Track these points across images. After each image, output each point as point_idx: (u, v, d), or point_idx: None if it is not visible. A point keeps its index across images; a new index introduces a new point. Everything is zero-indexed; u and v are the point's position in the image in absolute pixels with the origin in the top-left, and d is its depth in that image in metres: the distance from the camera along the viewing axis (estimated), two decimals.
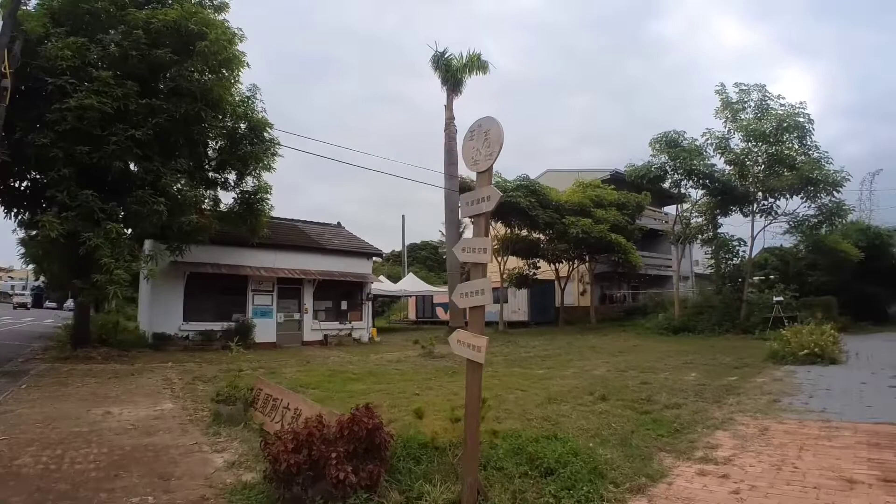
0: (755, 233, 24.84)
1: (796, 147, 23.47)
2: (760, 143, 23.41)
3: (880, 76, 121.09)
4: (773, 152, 23.24)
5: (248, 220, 19.37)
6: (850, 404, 8.44)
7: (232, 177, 19.28)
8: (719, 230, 27.15)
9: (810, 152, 23.34)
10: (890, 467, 5.31)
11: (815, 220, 24.40)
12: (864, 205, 38.21)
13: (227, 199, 19.74)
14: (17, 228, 17.03)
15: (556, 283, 33.37)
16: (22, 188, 16.21)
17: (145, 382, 11.58)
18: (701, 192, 26.08)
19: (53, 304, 52.77)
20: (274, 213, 21.38)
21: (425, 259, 60.51)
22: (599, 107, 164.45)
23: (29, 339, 21.27)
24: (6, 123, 13.00)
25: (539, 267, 32.41)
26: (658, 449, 6.17)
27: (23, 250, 20.77)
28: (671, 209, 36.35)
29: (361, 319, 25.33)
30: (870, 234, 28.68)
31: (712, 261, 28.62)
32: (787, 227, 25.59)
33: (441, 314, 37.81)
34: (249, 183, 19.51)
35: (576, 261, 32.39)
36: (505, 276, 30.88)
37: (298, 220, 27.33)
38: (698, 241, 28.62)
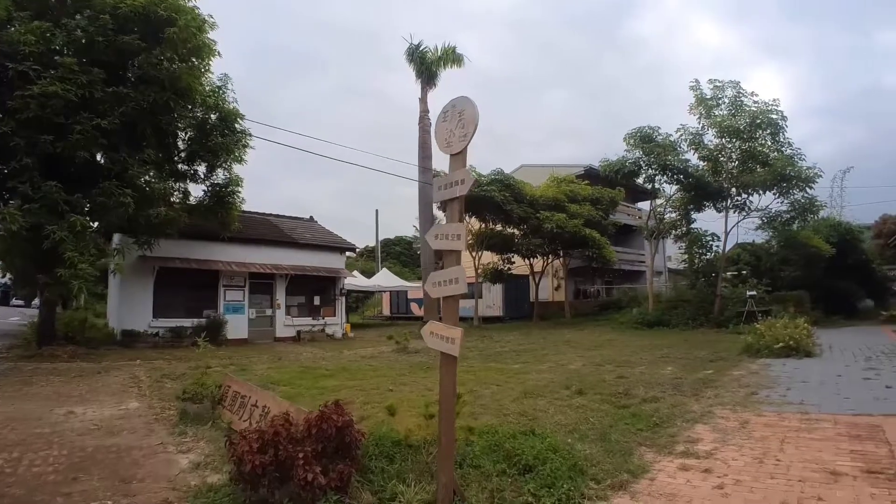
0: (728, 228, 25.01)
1: (769, 143, 23.59)
2: (734, 140, 23.53)
3: (851, 78, 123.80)
4: (747, 148, 23.39)
5: (219, 213, 18.97)
6: (828, 396, 8.41)
7: (202, 169, 18.83)
8: (693, 225, 27.33)
9: (783, 149, 23.50)
10: (872, 459, 5.24)
11: (788, 216, 24.61)
12: (836, 201, 38.99)
13: (197, 191, 19.39)
14: None
15: (530, 278, 33.39)
16: None
17: (112, 381, 11.24)
18: (675, 187, 26.14)
19: (21, 302, 51.35)
20: (246, 207, 20.99)
21: (399, 254, 60.21)
22: (575, 104, 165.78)
23: None
24: None
25: (513, 262, 32.41)
26: (638, 444, 6.03)
27: None
28: (645, 205, 36.68)
29: (335, 315, 25.06)
30: (841, 230, 29.00)
31: (685, 256, 28.77)
32: (760, 222, 25.75)
33: (415, 309, 37.71)
34: (220, 175, 19.11)
35: (550, 256, 32.46)
36: (480, 271, 30.79)
37: (270, 215, 26.92)
38: (672, 236, 28.77)
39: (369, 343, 20.83)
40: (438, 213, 26.62)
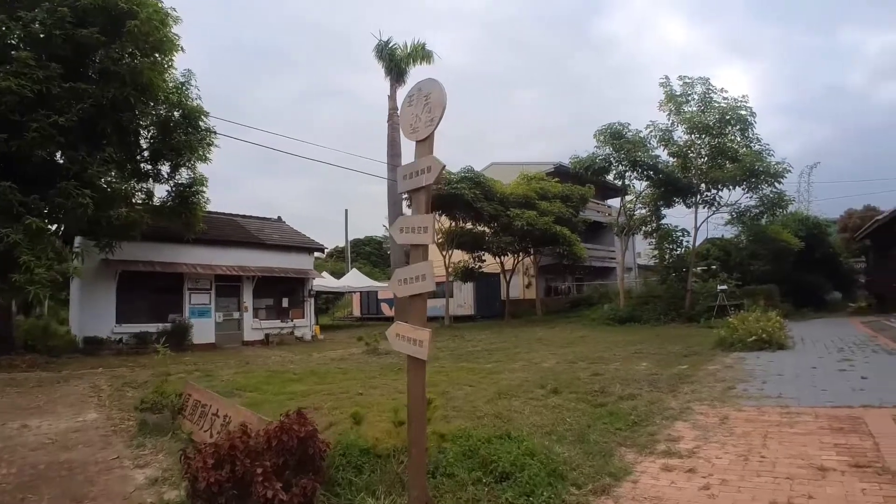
0: (698, 223, 25.23)
1: (738, 139, 23.80)
2: (703, 136, 23.64)
3: (816, 77, 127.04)
4: (716, 144, 23.55)
5: (183, 214, 18.37)
6: (805, 389, 8.32)
7: (165, 168, 18.26)
8: (662, 221, 27.44)
9: (752, 145, 23.71)
10: (858, 452, 5.11)
11: (757, 211, 24.91)
12: (803, 196, 39.67)
13: (160, 192, 18.81)
14: None
15: (501, 276, 33.34)
16: None
17: (71, 390, 10.73)
18: (645, 183, 26.24)
19: None
20: (215, 209, 20.50)
21: (369, 254, 59.70)
22: (545, 102, 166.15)
23: None
24: None
25: (484, 260, 32.33)
26: (618, 444, 5.81)
27: None
28: (615, 202, 36.82)
29: (304, 317, 24.67)
30: (809, 225, 29.69)
31: (655, 252, 28.95)
32: (730, 217, 26.06)
33: (386, 310, 37.43)
34: (184, 175, 18.55)
35: (521, 253, 32.37)
36: (450, 269, 30.56)
37: (237, 215, 26.34)
38: (642, 232, 28.88)
39: (339, 345, 20.46)
40: (408, 212, 26.32)
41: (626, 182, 26.32)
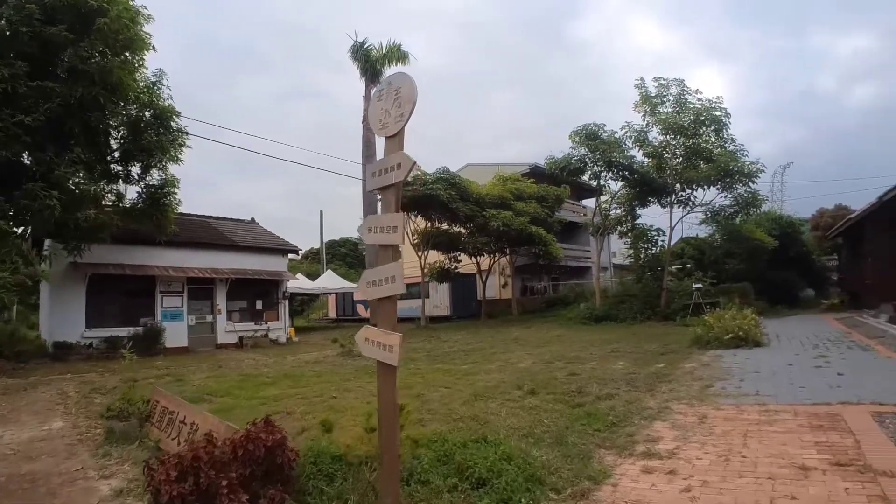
0: (673, 223, 25.25)
1: (713, 140, 23.88)
2: (678, 136, 23.69)
3: (789, 80, 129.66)
4: (691, 145, 23.61)
5: (154, 216, 17.98)
6: (783, 386, 8.30)
7: (136, 169, 17.83)
8: (638, 221, 27.60)
9: (727, 145, 23.83)
10: (839, 450, 5.07)
11: (731, 210, 25.06)
12: (777, 196, 40.21)
13: (131, 193, 18.40)
14: None
15: (477, 276, 33.28)
16: None
17: (38, 398, 10.41)
18: (620, 183, 26.27)
19: None
20: (187, 210, 20.04)
21: (345, 256, 59.36)
22: (521, 104, 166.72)
23: None
24: None
25: (460, 261, 32.22)
26: (597, 445, 5.71)
27: None
28: (590, 202, 37.04)
29: (278, 319, 24.35)
30: (782, 223, 30.10)
31: (631, 251, 29.09)
32: (704, 217, 26.16)
33: (362, 311, 37.22)
34: (155, 176, 18.13)
35: (497, 254, 32.33)
36: (426, 270, 30.41)
37: (210, 217, 25.94)
38: (617, 232, 29.01)
39: (314, 347, 20.22)
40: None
41: (602, 182, 26.35)
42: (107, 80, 14.57)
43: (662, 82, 24.24)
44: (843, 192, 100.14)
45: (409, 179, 26.75)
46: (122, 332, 18.31)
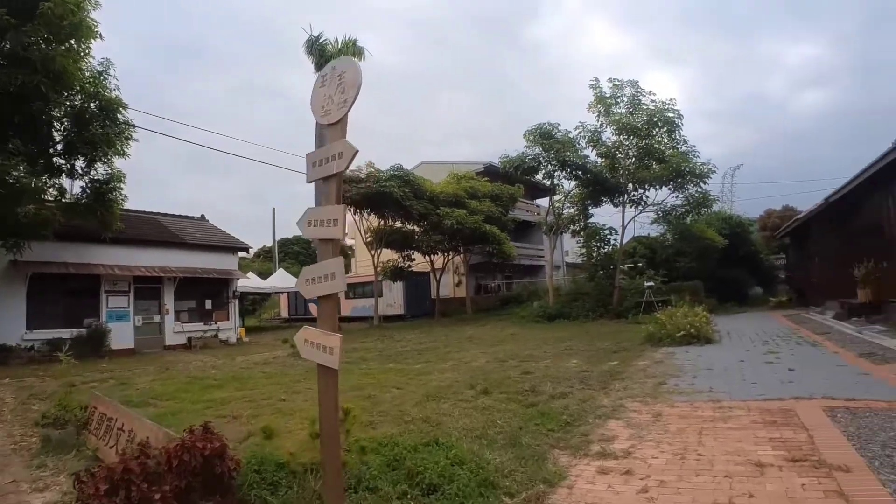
0: (625, 222, 25.56)
1: (665, 141, 24.25)
2: (632, 137, 23.97)
3: (738, 84, 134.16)
4: (644, 145, 23.92)
5: (99, 212, 17.10)
6: (735, 382, 8.34)
7: (80, 163, 16.92)
8: (590, 220, 27.87)
9: (679, 146, 24.20)
10: (793, 446, 5.04)
11: (683, 210, 25.48)
12: (727, 196, 41.12)
13: (75, 188, 17.48)
14: None
15: (431, 274, 33.21)
16: None
17: None
18: (573, 183, 26.49)
19: None
20: (141, 207, 19.18)
21: (298, 254, 58.48)
22: (476, 104, 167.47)
23: None
24: None
25: (414, 259, 32.04)
26: (551, 446, 5.56)
27: None
28: (543, 201, 37.28)
29: (228, 319, 23.69)
30: (732, 223, 30.84)
31: (584, 250, 29.29)
32: (656, 216, 26.60)
33: (314, 311, 36.32)
34: (100, 170, 17.26)
35: (451, 252, 32.32)
36: (379, 269, 30.12)
37: (158, 213, 25.01)
38: (570, 231, 29.20)
39: (265, 347, 19.78)
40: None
41: (555, 182, 26.50)
42: (50, 67, 13.77)
43: (617, 83, 24.46)
44: (790, 193, 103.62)
45: (362, 176, 26.81)
46: (66, 333, 17.38)
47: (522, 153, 25.72)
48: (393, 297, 34.28)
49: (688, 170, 23.28)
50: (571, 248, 39.19)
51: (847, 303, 16.91)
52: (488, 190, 30.84)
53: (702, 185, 24.20)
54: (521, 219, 36.43)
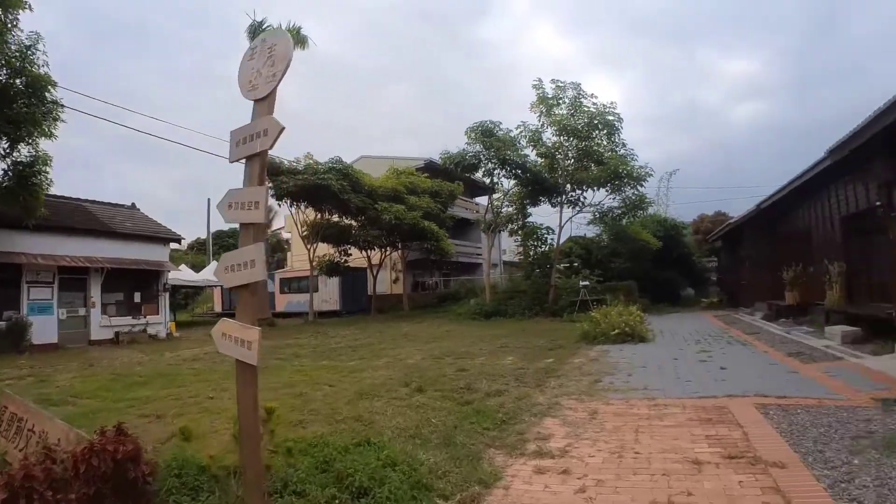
0: (563, 222, 25.89)
1: (605, 143, 24.67)
2: (572, 138, 24.28)
3: (675, 92, 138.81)
4: (583, 147, 24.23)
5: (22, 196, 15.97)
6: (670, 380, 8.41)
7: (3, 144, 15.80)
8: (528, 219, 28.08)
9: (617, 149, 24.64)
10: (729, 443, 5.06)
11: (619, 212, 26.01)
12: (662, 200, 42.17)
13: None
14: None
15: (368, 270, 32.94)
16: None
17: None
18: (512, 182, 26.67)
19: None
20: (60, 192, 17.94)
21: (233, 247, 56.72)
22: (418, 100, 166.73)
23: None
24: None
25: (350, 254, 31.65)
26: (486, 445, 5.40)
27: None
28: (482, 199, 37.40)
29: (158, 313, 22.67)
30: (667, 226, 31.78)
31: (521, 248, 29.53)
32: (593, 217, 27.06)
33: None
34: (24, 152, 16.16)
35: (388, 248, 32.14)
36: (315, 263, 29.55)
37: (85, 200, 23.71)
38: (507, 229, 29.36)
39: (195, 343, 19.00)
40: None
41: (495, 180, 26.61)
42: None
43: (560, 84, 24.70)
44: (722, 199, 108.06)
45: (300, 168, 26.17)
46: None
47: (463, 150, 25.73)
48: (328, 293, 33.74)
49: (625, 172, 23.66)
50: (509, 246, 39.49)
51: (775, 304, 17.48)
52: (428, 186, 30.72)
53: (638, 187, 24.73)
54: (459, 216, 36.57)
